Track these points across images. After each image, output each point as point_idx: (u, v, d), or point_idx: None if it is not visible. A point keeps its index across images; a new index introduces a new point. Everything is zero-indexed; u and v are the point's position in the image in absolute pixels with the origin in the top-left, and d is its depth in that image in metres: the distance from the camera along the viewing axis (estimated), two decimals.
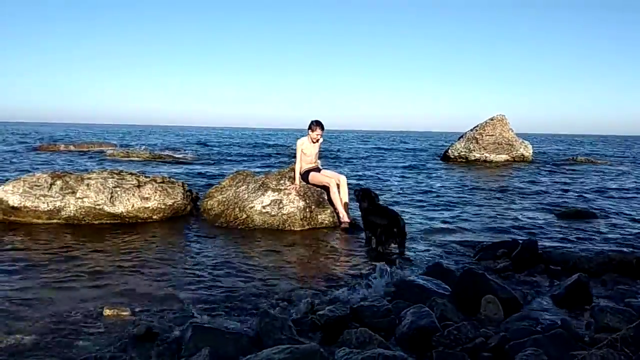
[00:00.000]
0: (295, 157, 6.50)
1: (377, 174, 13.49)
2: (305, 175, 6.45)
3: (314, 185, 6.47)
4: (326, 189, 6.42)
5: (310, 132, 6.38)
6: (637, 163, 19.32)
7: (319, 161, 6.77)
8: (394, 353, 2.32)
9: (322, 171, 6.60)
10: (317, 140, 6.46)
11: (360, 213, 5.49)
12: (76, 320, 3.05)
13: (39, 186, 5.95)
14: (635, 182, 12.23)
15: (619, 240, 5.70)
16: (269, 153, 21.56)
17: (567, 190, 10.20)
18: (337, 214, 6.26)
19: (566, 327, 2.76)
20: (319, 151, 6.67)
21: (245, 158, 18.51)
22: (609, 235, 5.94)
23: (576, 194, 9.61)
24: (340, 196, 6.26)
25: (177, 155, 17.58)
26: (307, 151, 6.43)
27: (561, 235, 5.91)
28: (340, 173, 6.74)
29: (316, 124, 6.34)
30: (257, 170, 10.83)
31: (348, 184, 6.42)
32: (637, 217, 7.17)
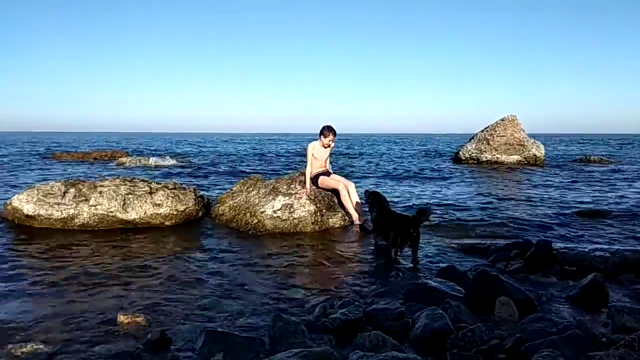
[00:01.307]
0: (306, 161, 6.50)
1: (387, 177, 13.45)
2: (315, 179, 6.45)
3: (323, 189, 6.47)
4: (336, 192, 6.43)
5: (322, 138, 6.37)
6: None
7: (329, 165, 6.77)
8: (408, 356, 2.31)
9: (332, 175, 6.60)
10: (329, 146, 6.46)
11: (370, 216, 5.39)
12: (91, 327, 3.08)
13: (52, 194, 6.03)
14: None
15: (634, 239, 5.61)
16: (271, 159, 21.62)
17: (580, 190, 10.08)
18: (350, 216, 6.26)
19: (582, 328, 2.72)
20: (330, 155, 6.68)
21: (254, 164, 18.57)
22: (624, 235, 5.85)
23: (590, 194, 9.49)
24: (351, 199, 6.26)
25: (185, 163, 17.77)
26: (317, 155, 6.43)
27: (576, 235, 5.84)
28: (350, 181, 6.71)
29: (328, 130, 6.33)
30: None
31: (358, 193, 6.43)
32: None
